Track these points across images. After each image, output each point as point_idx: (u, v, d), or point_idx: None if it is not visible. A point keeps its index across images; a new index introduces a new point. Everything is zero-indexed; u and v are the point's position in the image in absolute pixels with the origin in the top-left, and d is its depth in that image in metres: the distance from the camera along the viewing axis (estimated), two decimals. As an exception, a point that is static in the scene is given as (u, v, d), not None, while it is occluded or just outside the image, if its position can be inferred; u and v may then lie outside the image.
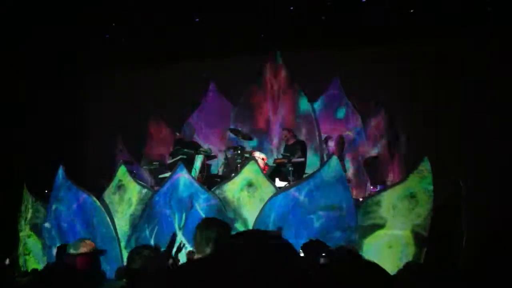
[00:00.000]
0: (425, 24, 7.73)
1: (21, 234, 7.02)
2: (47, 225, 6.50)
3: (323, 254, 3.71)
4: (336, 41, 8.43)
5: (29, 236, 6.92)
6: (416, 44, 8.08)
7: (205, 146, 8.18)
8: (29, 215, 6.96)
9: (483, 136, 7.30)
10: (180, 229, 5.67)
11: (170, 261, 3.60)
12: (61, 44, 8.55)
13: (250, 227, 5.69)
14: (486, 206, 6.22)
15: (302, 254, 4.12)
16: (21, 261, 6.88)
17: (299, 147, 7.71)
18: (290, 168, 6.90)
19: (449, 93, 7.67)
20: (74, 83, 9.36)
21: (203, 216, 5.56)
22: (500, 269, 5.47)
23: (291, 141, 7.94)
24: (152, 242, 5.68)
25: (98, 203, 6.22)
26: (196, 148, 7.63)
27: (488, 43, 7.43)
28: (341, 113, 8.72)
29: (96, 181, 7.03)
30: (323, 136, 8.46)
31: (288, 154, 7.32)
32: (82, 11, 7.76)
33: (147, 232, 5.87)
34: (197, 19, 8.19)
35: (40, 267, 6.15)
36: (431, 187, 5.69)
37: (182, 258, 4.27)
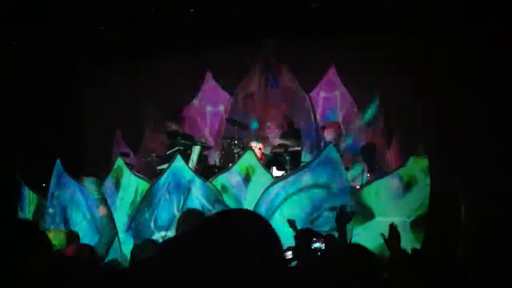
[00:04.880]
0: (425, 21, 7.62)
1: None
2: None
3: (314, 239, 3.78)
4: (333, 30, 8.34)
5: None
6: (416, 41, 7.93)
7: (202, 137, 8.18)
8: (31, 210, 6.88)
9: (483, 136, 7.24)
10: (178, 211, 5.70)
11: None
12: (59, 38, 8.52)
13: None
14: (485, 206, 6.19)
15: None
16: None
17: (295, 136, 7.71)
18: (287, 157, 6.91)
19: (449, 92, 7.57)
20: (72, 75, 9.31)
21: (202, 202, 5.66)
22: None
23: (288, 130, 7.93)
24: (152, 225, 5.77)
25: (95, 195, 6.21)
26: (193, 139, 7.62)
27: (488, 43, 7.30)
28: (338, 101, 8.71)
29: (95, 174, 6.99)
30: (320, 124, 8.46)
31: (284, 143, 7.33)
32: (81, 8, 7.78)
33: (147, 215, 5.89)
34: (192, 10, 8.14)
35: None
36: (428, 173, 5.68)
37: None
